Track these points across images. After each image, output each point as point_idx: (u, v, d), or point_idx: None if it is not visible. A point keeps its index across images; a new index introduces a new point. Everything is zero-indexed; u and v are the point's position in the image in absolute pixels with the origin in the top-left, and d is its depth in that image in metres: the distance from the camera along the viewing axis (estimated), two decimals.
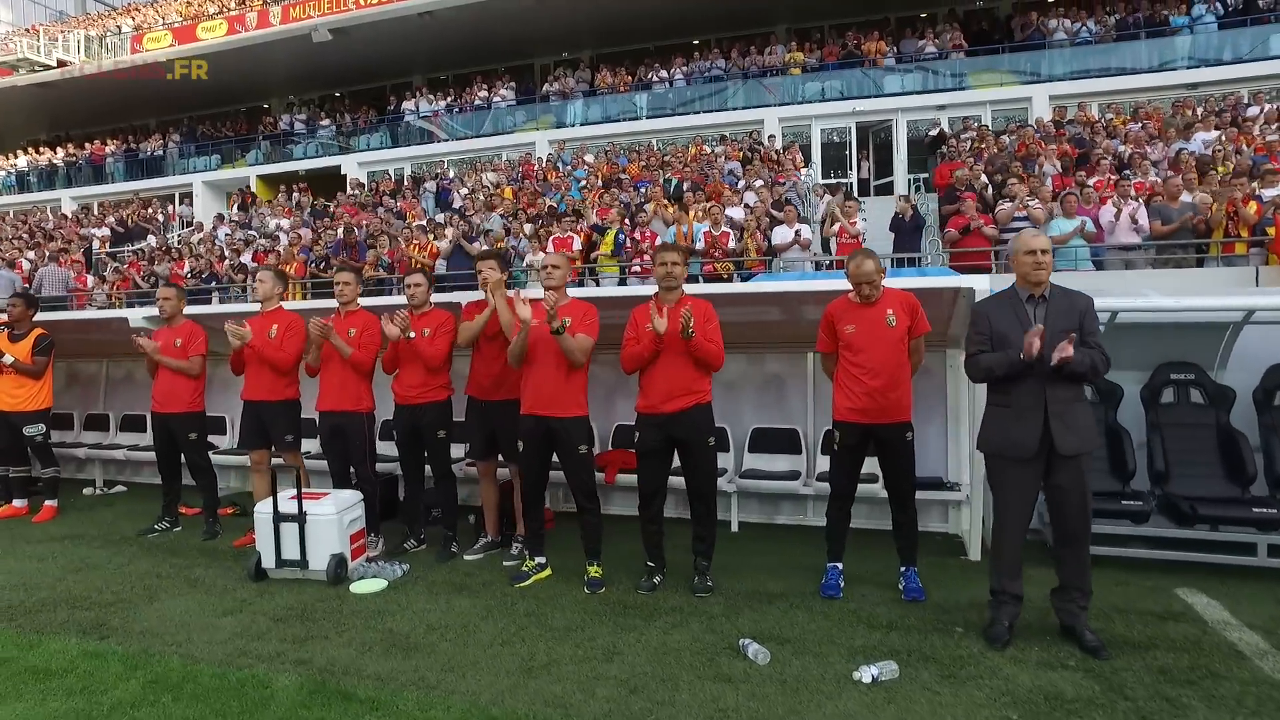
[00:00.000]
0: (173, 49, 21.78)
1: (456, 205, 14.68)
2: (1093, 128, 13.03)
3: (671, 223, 10.33)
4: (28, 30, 25.44)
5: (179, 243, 15.22)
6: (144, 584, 4.47)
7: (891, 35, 18.38)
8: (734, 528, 5.43)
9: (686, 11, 19.65)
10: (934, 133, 16.25)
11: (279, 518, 4.37)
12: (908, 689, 3.07)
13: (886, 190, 17.23)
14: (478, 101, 20.31)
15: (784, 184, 12.50)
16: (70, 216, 19.58)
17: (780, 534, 5.41)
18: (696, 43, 21.13)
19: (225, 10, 22.09)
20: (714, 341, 4.10)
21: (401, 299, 6.14)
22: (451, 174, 17.56)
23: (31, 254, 15.64)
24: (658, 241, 10.31)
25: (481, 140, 19.97)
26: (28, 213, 20.18)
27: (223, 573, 4.66)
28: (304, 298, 11.79)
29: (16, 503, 6.28)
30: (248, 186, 21.01)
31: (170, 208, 20.79)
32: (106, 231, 17.64)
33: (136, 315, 6.28)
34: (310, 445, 5.87)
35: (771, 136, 16.46)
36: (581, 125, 19.44)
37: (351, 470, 4.97)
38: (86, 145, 22.62)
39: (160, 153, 21.88)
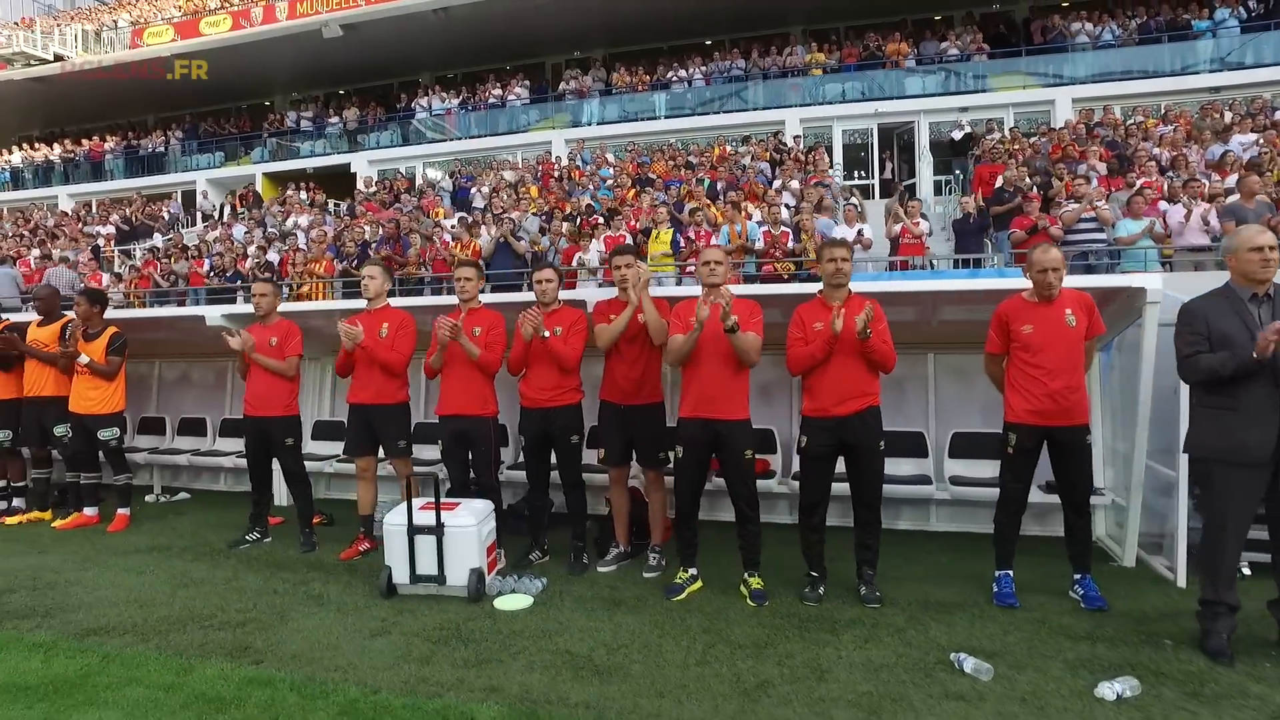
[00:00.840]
0: (175, 44, 21.25)
1: (478, 204, 14.40)
2: (1126, 130, 13.04)
3: (724, 222, 10.14)
4: (18, 23, 24.70)
5: (198, 240, 14.73)
6: (265, 602, 4.16)
7: (911, 37, 18.36)
8: None
9: (700, 12, 19.53)
10: (959, 134, 16.25)
11: (414, 530, 4.10)
12: (1161, 709, 2.89)
13: (911, 191, 17.18)
14: (492, 100, 19.98)
15: (826, 184, 12.42)
16: (71, 214, 18.98)
17: (907, 540, 5.21)
18: (709, 43, 21.02)
19: (228, 5, 21.58)
20: (887, 342, 3.92)
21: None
22: (450, 173, 17.21)
23: (37, 251, 15.11)
24: (713, 241, 10.12)
25: (495, 139, 19.67)
26: (25, 210, 19.50)
27: (344, 588, 4.37)
28: (333, 297, 11.49)
29: (87, 511, 5.92)
30: (253, 184, 20.54)
31: (167, 205, 20.26)
32: (111, 230, 17.09)
33: (215, 313, 5.99)
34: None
35: (797, 137, 16.36)
36: (598, 124, 19.21)
37: (472, 478, 4.71)
38: (84, 141, 21.94)
39: (162, 149, 21.27)
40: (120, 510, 5.85)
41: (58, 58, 21.80)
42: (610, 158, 16.28)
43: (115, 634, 3.73)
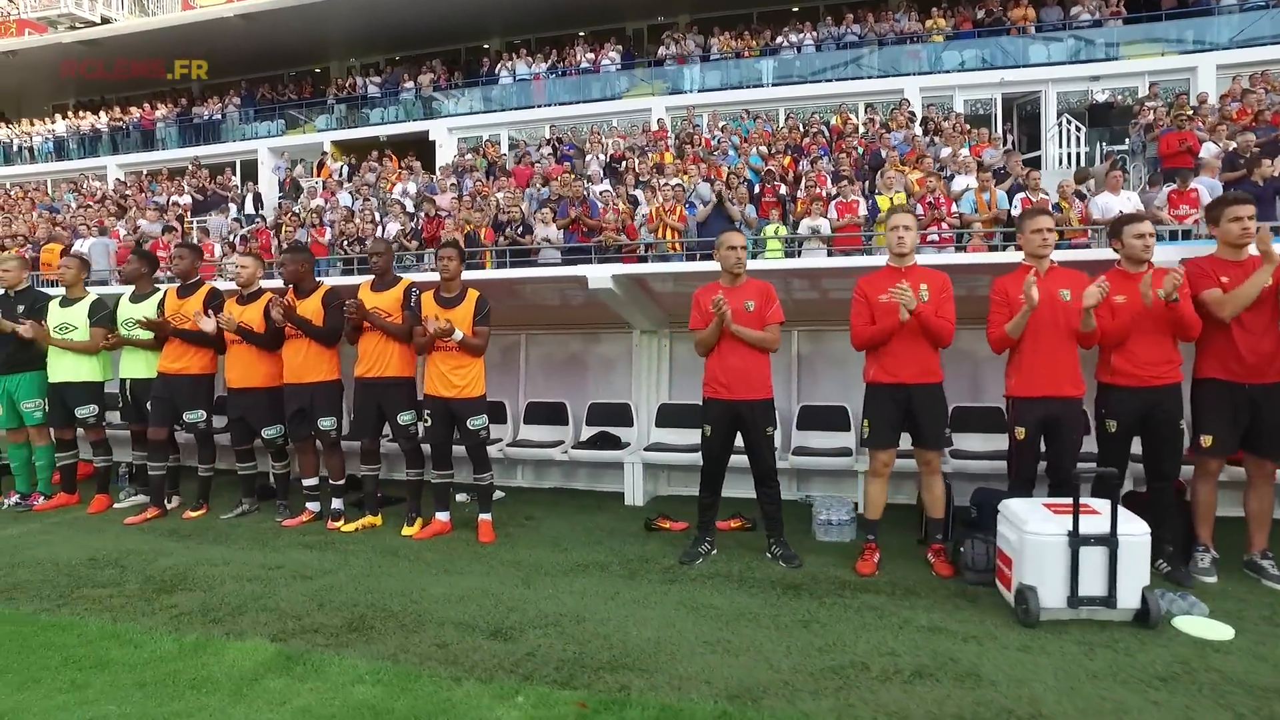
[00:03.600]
0: (232, 4, 19.68)
1: (595, 169, 13.42)
2: None
3: (964, 190, 9.33)
4: None
5: (304, 210, 13.47)
6: (875, 642, 3.23)
7: (1033, 3, 17.57)
8: None
9: None
10: (1103, 96, 15.59)
11: (1079, 541, 3.23)
12: None
13: (1034, 164, 16.47)
14: (584, 65, 18.81)
15: (1009, 151, 11.69)
16: (131, 184, 17.50)
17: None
18: (796, 10, 20.07)
19: None
20: None
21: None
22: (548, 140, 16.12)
23: (121, 223, 13.80)
24: (953, 209, 9.29)
25: (588, 105, 18.53)
26: (76, 180, 17.97)
27: (936, 614, 3.43)
28: (492, 265, 10.50)
29: (440, 516, 4.92)
30: (322, 153, 19.15)
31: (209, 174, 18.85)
32: (188, 199, 15.75)
33: (602, 273, 4.98)
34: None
35: (931, 105, 15.55)
36: (700, 91, 18.17)
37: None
38: (133, 109, 20.30)
39: (219, 117, 19.77)
40: (482, 516, 4.87)
41: (104, 20, 20.09)
42: (725, 124, 15.32)
43: (777, 695, 2.79)
